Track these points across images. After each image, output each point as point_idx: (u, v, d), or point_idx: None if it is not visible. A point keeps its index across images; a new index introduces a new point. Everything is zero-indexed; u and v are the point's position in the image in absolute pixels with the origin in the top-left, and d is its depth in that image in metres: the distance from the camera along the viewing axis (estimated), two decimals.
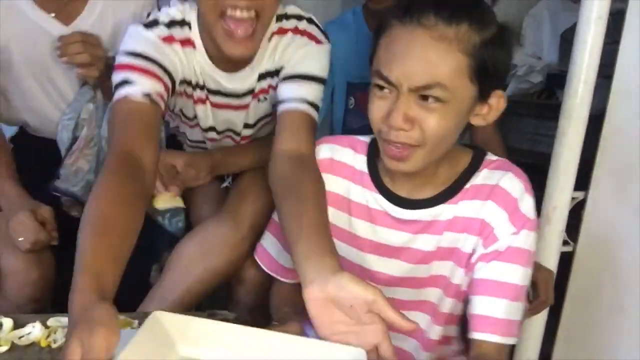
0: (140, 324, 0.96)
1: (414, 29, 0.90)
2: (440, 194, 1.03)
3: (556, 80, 2.10)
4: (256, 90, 1.33)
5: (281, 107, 1.22)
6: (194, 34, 1.22)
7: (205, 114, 1.37)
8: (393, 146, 0.95)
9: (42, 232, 1.28)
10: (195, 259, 1.28)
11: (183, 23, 1.22)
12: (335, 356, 0.81)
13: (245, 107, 1.36)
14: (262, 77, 1.31)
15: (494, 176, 1.01)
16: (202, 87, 1.31)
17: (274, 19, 1.24)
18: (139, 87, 1.10)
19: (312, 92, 1.24)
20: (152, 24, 1.19)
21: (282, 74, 1.26)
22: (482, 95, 0.94)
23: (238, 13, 1.11)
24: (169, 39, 1.19)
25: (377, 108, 0.95)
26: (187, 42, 1.22)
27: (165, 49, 1.18)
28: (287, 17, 1.28)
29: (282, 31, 1.27)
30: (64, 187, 1.47)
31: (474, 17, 0.90)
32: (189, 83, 1.29)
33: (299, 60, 1.25)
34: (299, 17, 1.29)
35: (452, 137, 0.97)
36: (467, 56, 0.89)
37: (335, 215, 1.08)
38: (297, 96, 1.22)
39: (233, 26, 1.12)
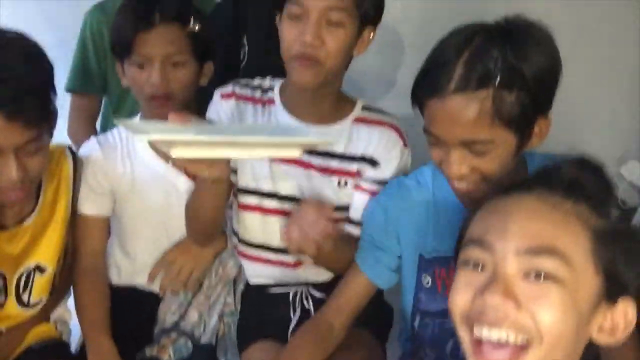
0: None
1: (521, 197, 0.76)
2: None
3: None
4: (326, 164, 1.36)
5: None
6: (275, 94, 1.39)
7: (263, 169, 1.37)
8: (489, 343, 0.71)
9: None
10: None
11: (265, 88, 1.40)
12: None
13: (308, 165, 1.36)
14: (341, 157, 1.36)
15: None
16: None
17: (360, 107, 1.38)
18: None
19: None
20: (226, 85, 1.41)
21: (370, 175, 1.34)
22: (609, 296, 0.75)
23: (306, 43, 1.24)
24: (227, 95, 1.39)
25: (464, 287, 0.75)
26: (267, 101, 1.39)
27: (221, 105, 1.38)
28: (374, 110, 1.40)
29: (367, 121, 1.37)
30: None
31: (596, 200, 0.75)
32: None
33: (388, 160, 1.35)
34: (387, 115, 1.39)
35: (572, 343, 0.72)
36: (590, 237, 0.73)
37: None
38: None
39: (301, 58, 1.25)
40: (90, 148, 1.48)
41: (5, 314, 1.37)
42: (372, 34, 1.33)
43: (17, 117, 1.13)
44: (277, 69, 1.36)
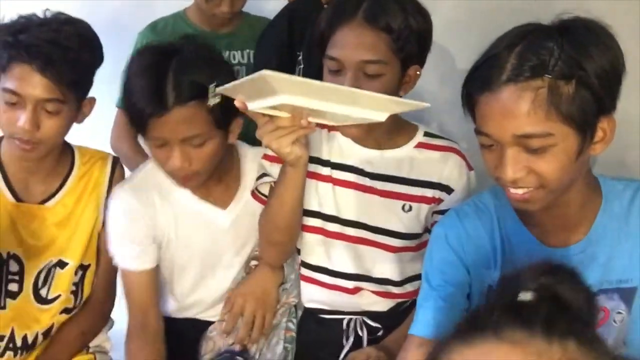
0: None
1: (491, 348, 0.58)
2: None
3: None
4: (389, 188, 1.35)
5: None
6: None
7: (327, 192, 1.36)
8: None
9: None
10: None
11: None
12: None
13: (370, 190, 1.35)
14: (405, 181, 1.35)
15: None
16: (331, 165, 1.37)
17: (422, 133, 1.37)
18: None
19: None
20: None
21: (445, 204, 1.33)
22: None
23: None
24: None
25: None
26: (332, 127, 1.35)
27: None
28: (436, 136, 1.38)
29: (430, 146, 1.36)
30: None
31: (585, 329, 0.60)
32: (315, 160, 1.36)
33: (459, 185, 1.35)
34: (449, 140, 1.39)
35: None
36: None
37: None
38: None
39: None
40: (124, 198, 1.35)
41: (20, 312, 1.34)
42: (418, 72, 1.28)
43: (49, 71, 1.20)
44: None
